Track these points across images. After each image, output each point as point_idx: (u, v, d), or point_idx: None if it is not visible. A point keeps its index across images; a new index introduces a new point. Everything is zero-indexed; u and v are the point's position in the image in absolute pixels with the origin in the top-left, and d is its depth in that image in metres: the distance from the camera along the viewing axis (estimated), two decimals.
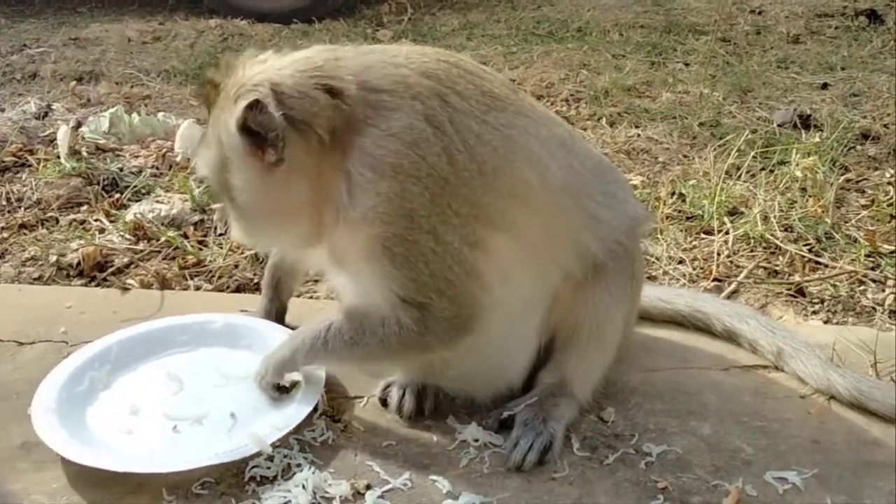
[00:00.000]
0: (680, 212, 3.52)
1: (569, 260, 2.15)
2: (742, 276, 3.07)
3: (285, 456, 2.09)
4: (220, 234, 3.37)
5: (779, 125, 4.38)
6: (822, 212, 3.43)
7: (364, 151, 1.94)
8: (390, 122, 1.94)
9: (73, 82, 5.26)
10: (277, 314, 2.58)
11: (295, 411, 2.19)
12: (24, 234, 3.43)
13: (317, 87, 1.96)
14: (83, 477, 2.06)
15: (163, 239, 3.32)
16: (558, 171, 2.10)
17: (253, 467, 2.05)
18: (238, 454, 2.05)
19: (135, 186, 3.73)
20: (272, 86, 1.94)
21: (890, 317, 2.85)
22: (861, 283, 3.04)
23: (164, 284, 3.02)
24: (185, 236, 3.37)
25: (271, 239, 2.29)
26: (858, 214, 3.49)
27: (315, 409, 2.22)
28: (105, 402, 2.31)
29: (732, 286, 3.02)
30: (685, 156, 4.13)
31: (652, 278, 3.06)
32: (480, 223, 2.01)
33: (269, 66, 2.02)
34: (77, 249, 3.22)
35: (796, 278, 3.06)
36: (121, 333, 2.51)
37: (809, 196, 3.55)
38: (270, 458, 2.07)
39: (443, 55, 2.13)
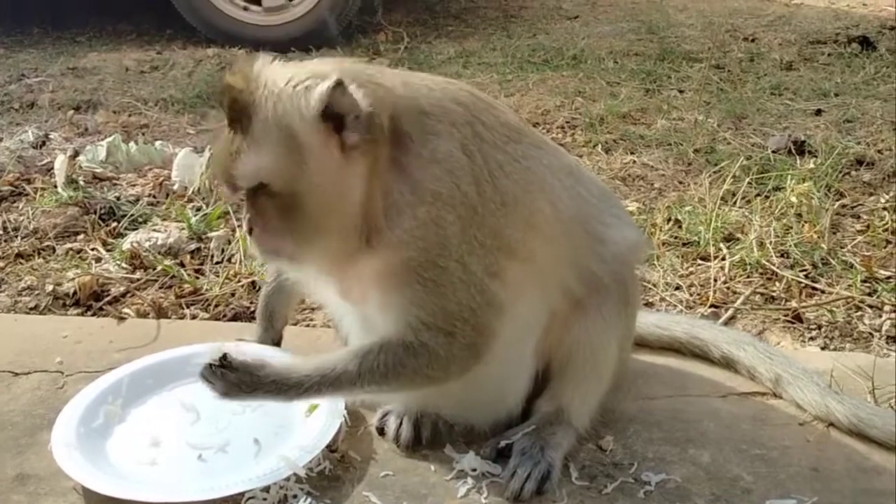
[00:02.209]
0: (676, 238, 3.53)
1: (571, 283, 2.17)
2: (739, 302, 3.07)
3: (281, 487, 2.07)
4: (217, 263, 3.37)
5: (773, 151, 4.40)
6: (818, 237, 3.44)
7: (407, 172, 1.94)
8: (435, 147, 1.95)
9: (71, 111, 5.27)
10: (273, 343, 2.57)
11: (320, 431, 2.18)
12: (21, 263, 3.42)
13: (373, 82, 1.93)
14: None
15: (159, 268, 3.31)
16: (569, 200, 2.14)
17: (249, 499, 2.04)
18: (272, 478, 2.05)
19: (132, 215, 3.73)
20: (344, 74, 1.90)
21: (887, 342, 2.84)
22: (858, 308, 3.04)
23: (161, 313, 3.01)
24: (182, 265, 3.37)
25: (310, 249, 2.01)
26: (854, 240, 3.50)
27: (339, 432, 2.22)
28: (123, 435, 2.30)
29: (729, 312, 3.02)
30: (681, 182, 4.15)
31: (649, 305, 3.06)
32: (502, 253, 2.02)
33: (319, 63, 1.97)
34: (73, 279, 3.21)
35: (793, 304, 3.06)
36: (130, 366, 2.50)
37: (805, 222, 3.56)
38: (266, 490, 2.05)
39: (463, 84, 2.16)
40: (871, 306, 3.04)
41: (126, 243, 3.47)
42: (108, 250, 3.49)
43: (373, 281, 2.01)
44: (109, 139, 4.43)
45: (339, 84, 1.84)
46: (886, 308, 3.02)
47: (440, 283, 1.95)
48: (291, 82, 1.91)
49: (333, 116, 1.87)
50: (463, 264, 1.96)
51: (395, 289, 1.98)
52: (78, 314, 3.07)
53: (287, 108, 1.88)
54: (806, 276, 3.23)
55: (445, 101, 2.02)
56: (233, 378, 1.98)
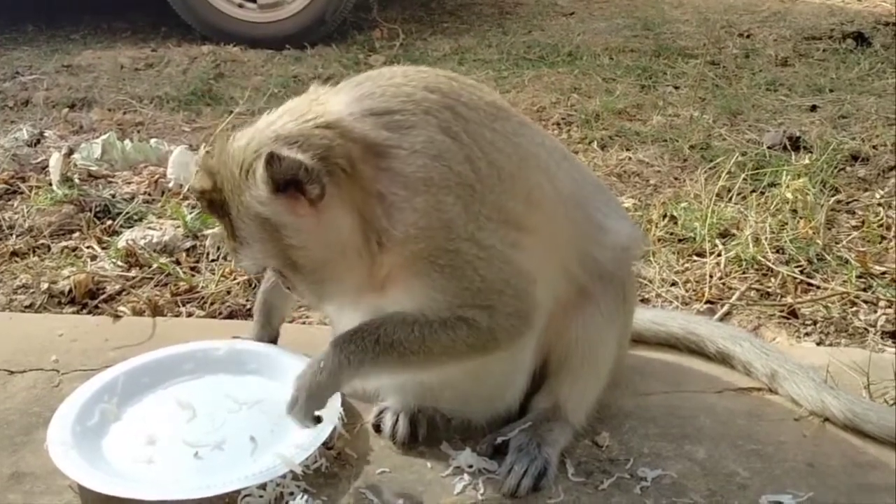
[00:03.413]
0: (672, 234, 3.54)
1: (575, 268, 2.17)
2: (734, 298, 3.08)
3: (278, 485, 2.07)
4: (213, 261, 3.36)
5: (769, 147, 4.41)
6: (813, 233, 3.45)
7: (393, 172, 1.94)
8: (411, 139, 1.95)
9: (66, 109, 5.26)
10: (270, 340, 2.57)
11: (316, 431, 2.17)
12: (16, 261, 3.41)
13: (315, 127, 1.94)
14: None
15: (155, 266, 3.31)
16: (565, 179, 2.15)
17: (246, 496, 2.04)
18: (269, 475, 2.05)
19: (127, 213, 3.72)
20: (273, 140, 1.92)
21: (882, 338, 2.85)
22: (853, 304, 3.05)
23: (156, 311, 3.01)
24: (178, 263, 3.37)
25: (339, 286, 2.08)
26: (849, 235, 3.51)
27: (335, 429, 2.21)
28: (119, 433, 2.29)
29: (725, 308, 3.02)
30: (676, 178, 4.15)
31: (645, 301, 3.06)
32: (510, 226, 2.02)
33: (254, 133, 1.99)
34: (69, 277, 3.21)
35: (789, 300, 3.07)
36: (125, 364, 2.49)
37: (800, 218, 3.57)
38: (263, 487, 2.05)
39: (438, 71, 2.16)
40: (866, 302, 3.05)
41: (121, 241, 3.46)
42: (103, 248, 3.49)
43: (398, 277, 2.02)
44: (104, 137, 4.42)
45: (272, 157, 1.85)
46: (881, 303, 3.03)
47: (457, 265, 1.96)
48: (243, 168, 1.93)
49: (285, 184, 1.88)
50: (476, 241, 1.96)
51: (418, 280, 1.99)
52: (73, 312, 3.07)
53: (247, 200, 1.93)
54: (801, 272, 3.24)
55: (417, 93, 2.01)
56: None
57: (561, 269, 2.16)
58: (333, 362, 2.03)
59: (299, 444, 2.14)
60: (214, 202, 2.00)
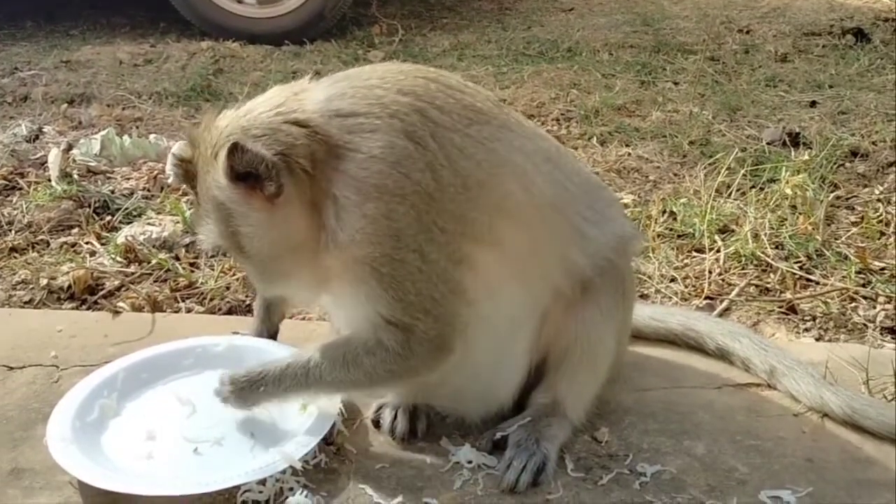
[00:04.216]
0: (671, 230, 3.54)
1: (556, 275, 2.15)
2: (734, 293, 3.08)
3: (278, 480, 2.07)
4: (212, 257, 3.36)
5: (768, 143, 4.41)
6: (813, 229, 3.45)
7: (348, 175, 1.94)
8: (370, 144, 1.94)
9: (65, 105, 5.25)
10: (269, 336, 2.57)
11: (316, 425, 2.18)
12: (15, 257, 3.41)
13: (284, 122, 1.98)
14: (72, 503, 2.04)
15: (154, 261, 3.31)
16: (544, 184, 2.10)
17: (245, 492, 2.03)
18: (268, 471, 2.05)
19: (126, 209, 3.72)
20: (243, 130, 1.98)
21: (881, 333, 2.85)
22: (852, 300, 3.05)
23: (156, 307, 3.01)
24: (177, 259, 3.36)
25: (287, 281, 2.19)
26: (848, 231, 3.51)
27: (334, 425, 2.22)
28: (118, 429, 2.29)
29: (724, 304, 3.02)
30: (676, 174, 4.15)
31: (644, 297, 3.06)
32: (467, 239, 2.01)
33: (233, 117, 2.05)
34: (68, 272, 3.20)
35: (788, 296, 3.07)
36: (125, 360, 2.49)
37: (799, 213, 3.57)
38: (262, 483, 2.05)
39: (421, 72, 2.13)
40: (865, 297, 3.05)
41: (120, 237, 3.46)
42: (102, 244, 3.48)
43: (337, 279, 2.04)
44: (103, 133, 4.41)
45: (235, 147, 1.91)
46: (880, 299, 3.03)
47: (398, 276, 1.95)
48: (214, 149, 2.00)
49: (245, 175, 1.94)
50: (422, 254, 1.95)
51: (354, 285, 2.00)
52: (72, 308, 3.07)
53: (210, 180, 2.03)
54: (800, 268, 3.24)
55: (388, 95, 2.00)
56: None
57: (541, 276, 2.14)
58: (266, 377, 2.15)
59: (298, 440, 2.14)
60: (189, 173, 2.12)
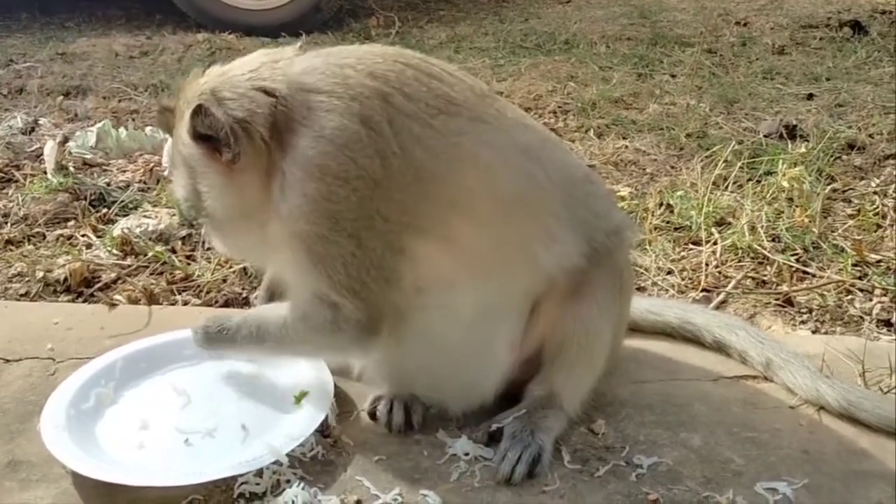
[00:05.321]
0: (668, 223, 3.53)
1: (525, 272, 2.12)
2: (730, 286, 3.08)
3: (274, 472, 2.07)
4: (208, 249, 3.35)
5: (765, 136, 4.40)
6: (809, 222, 3.45)
7: (297, 151, 1.96)
8: (323, 123, 1.95)
9: (60, 97, 5.23)
10: None
11: (307, 421, 2.18)
12: (11, 250, 3.40)
13: (253, 88, 2.00)
14: (69, 495, 2.04)
15: (150, 254, 3.30)
16: (512, 180, 2.05)
17: (242, 483, 2.03)
18: (255, 464, 2.05)
19: (122, 201, 3.71)
20: (212, 91, 2.02)
21: (878, 326, 2.86)
22: (849, 292, 3.05)
23: (152, 300, 3.00)
24: (173, 251, 3.36)
25: (239, 245, 2.31)
26: (845, 224, 3.51)
27: (326, 419, 2.22)
28: (113, 417, 2.29)
29: (721, 297, 3.02)
30: (672, 167, 4.15)
31: (641, 289, 3.06)
32: (412, 230, 1.99)
33: (212, 75, 2.10)
34: (64, 265, 3.20)
35: (784, 288, 3.07)
36: (124, 349, 2.49)
37: (796, 206, 3.57)
38: (259, 474, 2.05)
39: (402, 57, 2.10)
40: (861, 290, 3.06)
41: (116, 229, 3.45)
42: (98, 237, 3.48)
43: (279, 249, 2.08)
44: (99, 125, 4.40)
45: (199, 109, 1.96)
46: (877, 292, 3.03)
47: (329, 256, 1.97)
48: (188, 105, 2.04)
49: (206, 138, 1.99)
50: (358, 239, 1.95)
51: (290, 257, 2.04)
52: (69, 301, 3.06)
53: (179, 133, 2.10)
54: (797, 261, 3.24)
55: (356, 77, 1.99)
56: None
57: (508, 274, 2.10)
58: (228, 341, 2.26)
59: (290, 433, 2.14)
60: (168, 123, 2.19)
